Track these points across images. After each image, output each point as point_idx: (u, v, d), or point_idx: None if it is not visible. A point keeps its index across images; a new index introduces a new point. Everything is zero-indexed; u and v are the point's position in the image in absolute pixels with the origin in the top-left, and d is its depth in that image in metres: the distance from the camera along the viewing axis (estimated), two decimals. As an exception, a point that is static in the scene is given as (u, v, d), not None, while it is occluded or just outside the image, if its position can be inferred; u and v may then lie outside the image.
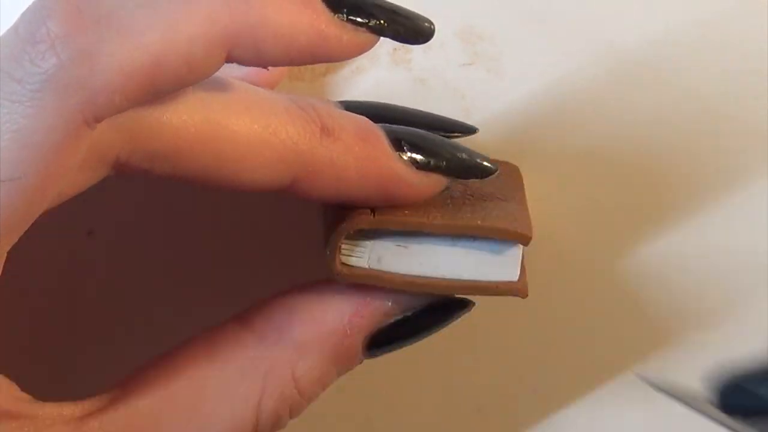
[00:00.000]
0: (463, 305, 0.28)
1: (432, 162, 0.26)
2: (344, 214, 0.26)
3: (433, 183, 0.27)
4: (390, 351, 0.28)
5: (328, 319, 0.26)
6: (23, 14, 0.21)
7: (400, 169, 0.26)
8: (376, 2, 0.25)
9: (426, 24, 0.25)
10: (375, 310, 0.27)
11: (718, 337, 0.33)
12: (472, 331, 0.33)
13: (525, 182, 0.30)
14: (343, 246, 0.26)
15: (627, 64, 0.31)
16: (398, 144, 0.26)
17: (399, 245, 0.27)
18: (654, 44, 0.31)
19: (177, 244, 0.32)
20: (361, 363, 0.27)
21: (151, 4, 0.22)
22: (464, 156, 0.27)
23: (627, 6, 0.31)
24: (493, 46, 0.31)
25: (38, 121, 0.21)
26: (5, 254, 0.22)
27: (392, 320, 0.27)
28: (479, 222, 0.26)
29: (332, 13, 0.24)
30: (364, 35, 0.24)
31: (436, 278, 0.26)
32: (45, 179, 0.21)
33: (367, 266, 0.27)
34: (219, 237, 0.32)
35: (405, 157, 0.26)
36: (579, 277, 0.32)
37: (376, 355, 0.27)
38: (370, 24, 0.24)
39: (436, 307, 0.27)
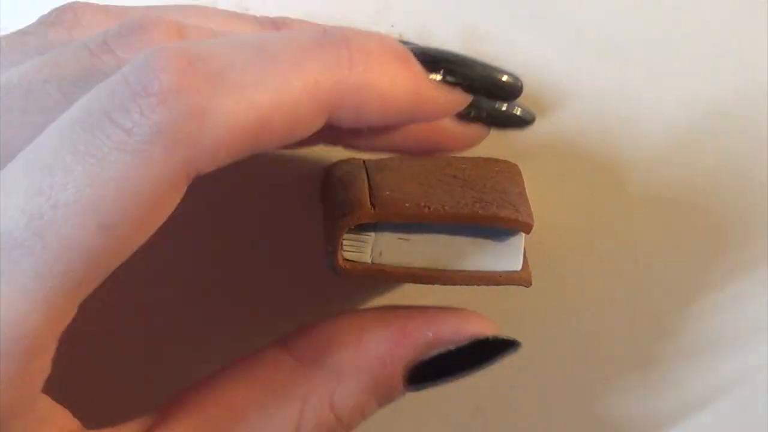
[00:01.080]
0: (510, 345, 0.27)
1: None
2: (345, 209, 0.26)
3: (475, 131, 0.26)
4: (432, 386, 0.27)
5: (368, 347, 0.26)
6: (134, 62, 0.21)
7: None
8: (468, 62, 0.25)
9: (516, 81, 0.25)
10: (415, 341, 0.26)
11: (717, 330, 0.33)
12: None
13: (524, 181, 0.30)
14: (344, 241, 0.26)
15: (627, 64, 0.31)
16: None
17: (400, 238, 0.27)
18: (654, 43, 0.31)
19: (177, 243, 0.32)
20: (403, 396, 0.27)
21: (259, 65, 0.22)
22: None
23: (627, 6, 0.31)
24: (493, 46, 0.31)
25: (143, 172, 0.21)
26: (81, 300, 0.22)
27: (434, 354, 0.26)
28: (480, 211, 0.26)
29: (428, 74, 0.24)
30: (459, 94, 0.24)
31: (439, 270, 0.27)
32: (138, 229, 0.21)
33: (369, 261, 0.27)
34: (220, 235, 0.32)
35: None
36: (579, 276, 0.32)
37: (417, 390, 0.27)
38: (464, 84, 0.24)
39: (480, 344, 0.27)
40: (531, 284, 0.27)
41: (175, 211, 0.32)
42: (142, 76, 0.21)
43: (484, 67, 0.25)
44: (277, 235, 0.32)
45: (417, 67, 0.24)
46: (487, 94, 0.25)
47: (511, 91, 0.25)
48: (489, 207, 0.26)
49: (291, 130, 0.22)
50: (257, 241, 0.32)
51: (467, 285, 0.27)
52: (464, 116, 0.26)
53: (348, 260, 0.26)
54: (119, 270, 0.32)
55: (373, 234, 0.27)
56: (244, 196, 0.31)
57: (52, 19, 0.26)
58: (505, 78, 0.25)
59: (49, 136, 0.21)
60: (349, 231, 0.26)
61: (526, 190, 0.30)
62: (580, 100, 0.31)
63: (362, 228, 0.26)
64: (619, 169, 0.32)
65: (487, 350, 0.27)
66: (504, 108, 0.26)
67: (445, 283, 0.27)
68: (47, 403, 0.23)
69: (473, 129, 0.25)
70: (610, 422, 0.34)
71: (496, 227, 0.26)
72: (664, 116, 0.32)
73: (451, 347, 0.26)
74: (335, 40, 0.23)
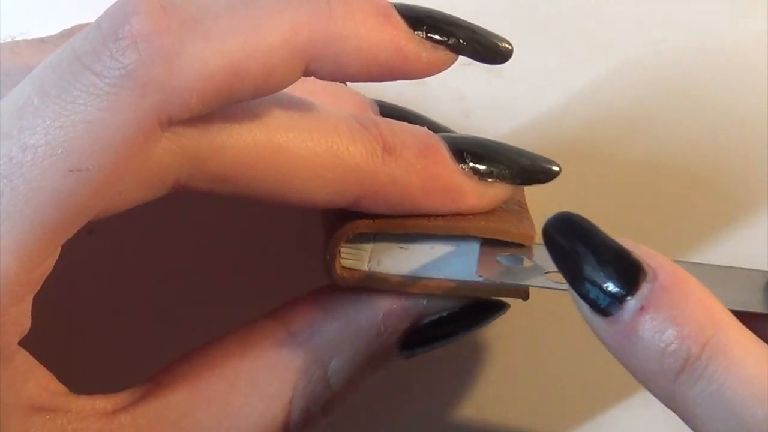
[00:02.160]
0: (499, 308, 0.27)
1: (494, 171, 0.26)
2: (343, 219, 0.26)
3: (497, 192, 0.26)
4: (424, 352, 0.27)
5: (362, 317, 0.26)
6: (107, 10, 0.22)
7: (462, 182, 0.26)
8: (455, 21, 0.25)
9: (504, 44, 0.25)
10: (409, 309, 0.27)
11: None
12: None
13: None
14: (342, 250, 0.26)
15: (626, 64, 0.31)
16: (460, 155, 0.26)
17: (400, 247, 0.27)
18: (653, 44, 0.31)
19: (178, 243, 0.32)
20: (395, 362, 0.27)
21: (234, 11, 0.22)
22: (526, 161, 0.27)
23: (626, 6, 0.31)
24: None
25: (113, 115, 0.21)
26: (59, 248, 0.22)
27: (427, 320, 0.27)
28: (482, 222, 0.26)
29: (412, 31, 0.24)
30: (443, 53, 0.24)
31: (438, 279, 0.26)
32: (110, 175, 0.21)
33: (367, 269, 0.26)
34: (219, 236, 0.32)
35: (467, 168, 0.26)
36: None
37: (410, 356, 0.27)
38: (449, 42, 0.24)
39: (471, 308, 0.27)
40: (528, 297, 0.27)
41: (175, 211, 0.32)
42: (115, 20, 0.21)
43: (472, 27, 0.25)
44: (279, 237, 0.32)
45: (399, 21, 0.24)
46: (473, 54, 0.25)
47: (499, 53, 0.25)
48: (490, 218, 0.26)
49: (266, 78, 0.22)
50: (258, 244, 0.32)
51: (466, 295, 0.27)
52: (485, 174, 0.26)
53: (346, 268, 0.26)
54: (115, 266, 0.32)
55: (371, 243, 0.26)
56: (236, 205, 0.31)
57: (72, 34, 0.26)
58: (492, 39, 0.25)
59: (21, 84, 0.21)
60: (348, 240, 0.26)
61: (526, 193, 0.29)
62: (581, 101, 0.31)
63: (361, 237, 0.26)
64: (620, 171, 0.32)
65: (477, 314, 0.27)
66: (528, 164, 0.26)
67: (443, 294, 0.26)
68: (29, 361, 0.23)
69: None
70: (611, 422, 0.34)
71: (497, 239, 0.26)
72: (665, 117, 0.31)
73: (444, 313, 0.27)
74: None
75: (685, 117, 0.32)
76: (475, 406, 0.33)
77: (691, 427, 0.22)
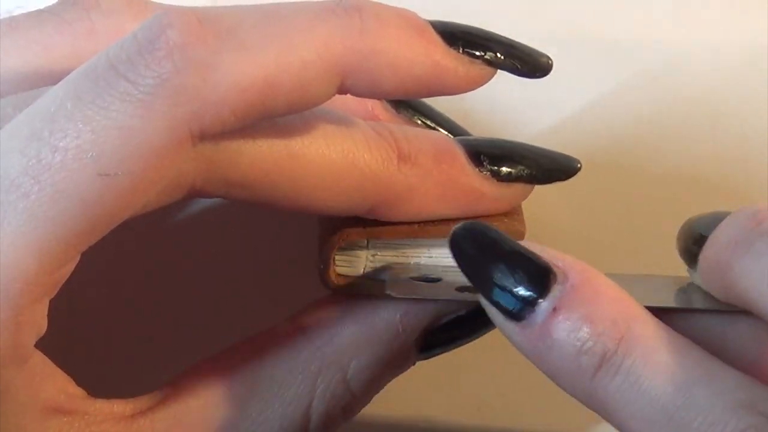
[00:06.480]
0: None
1: (513, 172, 0.26)
2: (336, 226, 0.26)
3: (516, 192, 0.26)
4: (443, 352, 0.27)
5: (380, 318, 0.26)
6: (144, 22, 0.22)
7: (480, 186, 0.26)
8: (491, 36, 0.25)
9: (543, 59, 0.25)
10: (427, 309, 0.27)
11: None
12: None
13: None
14: (337, 257, 0.26)
15: (627, 64, 0.31)
16: (477, 158, 0.26)
17: (396, 253, 0.27)
18: (654, 44, 0.31)
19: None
20: (414, 364, 0.27)
21: (267, 26, 0.22)
22: (545, 160, 0.27)
23: (627, 6, 0.31)
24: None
25: (145, 123, 0.21)
26: (80, 254, 0.22)
27: (445, 320, 0.27)
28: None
29: (447, 46, 0.24)
30: (480, 68, 0.24)
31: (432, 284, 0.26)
32: (138, 183, 0.21)
33: (362, 276, 0.27)
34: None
35: (485, 172, 0.26)
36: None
37: (429, 356, 0.27)
38: (486, 57, 0.24)
39: None
40: None
41: (175, 211, 0.32)
42: (151, 32, 0.21)
43: (510, 42, 0.25)
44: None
45: (434, 36, 0.24)
46: (511, 68, 0.25)
47: (539, 67, 0.25)
48: (480, 218, 0.26)
49: (300, 93, 0.22)
50: (260, 244, 0.32)
51: (461, 299, 0.27)
52: (503, 175, 0.26)
53: (341, 275, 0.26)
54: (116, 266, 0.32)
55: (365, 250, 0.26)
56: (244, 207, 0.31)
57: (72, 0, 0.26)
58: (531, 54, 0.25)
59: (54, 88, 0.22)
60: (341, 248, 0.26)
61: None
62: (581, 102, 0.31)
63: (354, 244, 0.26)
64: (619, 173, 0.32)
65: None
66: (547, 163, 0.26)
67: (439, 296, 0.26)
68: (46, 363, 0.24)
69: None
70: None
71: None
72: (664, 118, 0.31)
73: (461, 312, 0.27)
74: (348, 7, 0.23)
75: (686, 117, 0.32)
76: (475, 406, 0.33)
77: (612, 423, 0.23)
